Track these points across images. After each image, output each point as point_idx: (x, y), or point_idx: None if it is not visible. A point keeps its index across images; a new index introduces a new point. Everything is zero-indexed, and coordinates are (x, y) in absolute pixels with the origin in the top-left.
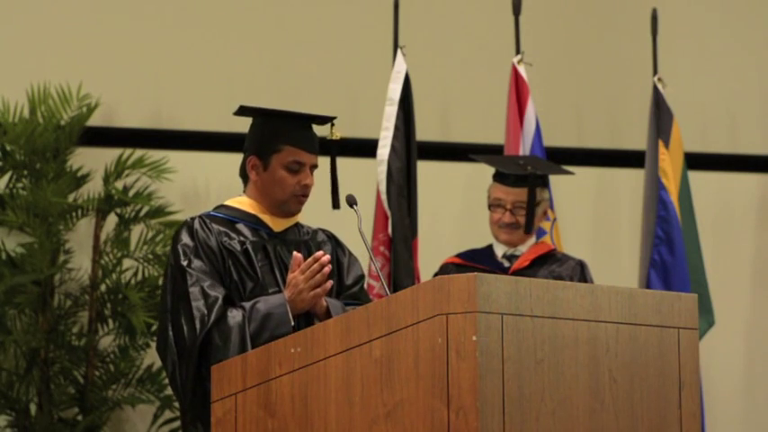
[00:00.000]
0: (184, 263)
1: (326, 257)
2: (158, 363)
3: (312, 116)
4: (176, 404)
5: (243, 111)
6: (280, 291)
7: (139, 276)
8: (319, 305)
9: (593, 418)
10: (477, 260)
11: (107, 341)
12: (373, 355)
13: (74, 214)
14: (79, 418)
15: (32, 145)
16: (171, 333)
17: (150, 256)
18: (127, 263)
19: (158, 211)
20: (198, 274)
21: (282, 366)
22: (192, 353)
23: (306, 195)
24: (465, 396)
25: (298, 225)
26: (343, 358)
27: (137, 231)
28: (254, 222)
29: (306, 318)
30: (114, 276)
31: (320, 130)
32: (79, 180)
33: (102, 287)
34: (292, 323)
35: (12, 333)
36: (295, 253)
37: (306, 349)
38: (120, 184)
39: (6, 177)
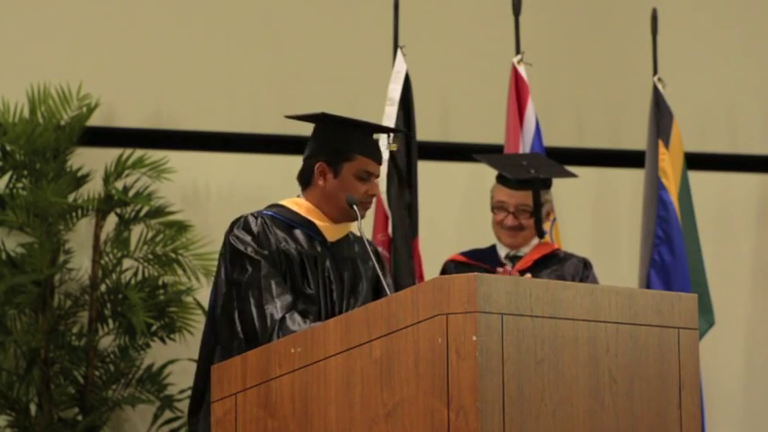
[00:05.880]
0: (257, 256)
1: None
2: (158, 363)
3: (386, 128)
4: (177, 404)
5: (325, 118)
6: (319, 306)
7: (139, 276)
8: None
9: (593, 418)
10: (481, 259)
11: (107, 341)
12: (373, 355)
13: (74, 214)
14: (79, 418)
15: (32, 145)
16: (238, 322)
17: (150, 256)
18: (127, 263)
19: (158, 211)
20: (269, 268)
21: (282, 366)
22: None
23: (370, 203)
24: (465, 396)
25: (348, 236)
26: (343, 358)
27: (137, 231)
28: (310, 229)
29: None
30: (114, 276)
31: None
32: (79, 180)
33: (102, 287)
34: None
35: (12, 333)
36: None
37: (306, 349)
38: (120, 184)
39: (6, 177)
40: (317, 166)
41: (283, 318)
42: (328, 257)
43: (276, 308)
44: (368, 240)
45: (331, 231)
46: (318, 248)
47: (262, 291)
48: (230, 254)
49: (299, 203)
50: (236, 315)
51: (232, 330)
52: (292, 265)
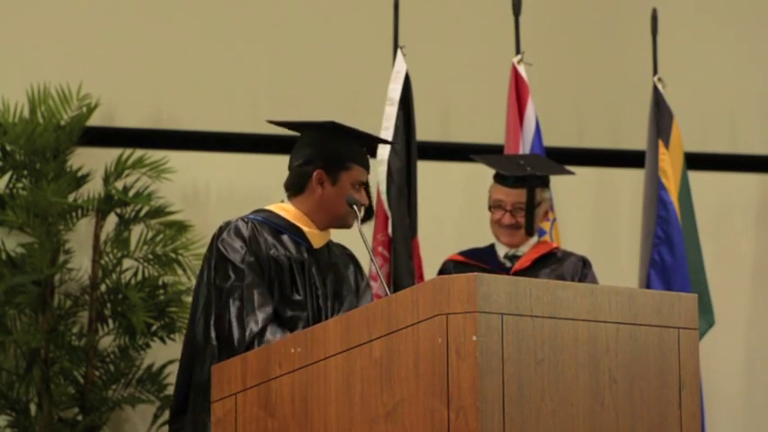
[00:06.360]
0: (242, 264)
1: None
2: (158, 363)
3: (391, 142)
4: None
5: (334, 126)
6: (305, 311)
7: (139, 276)
8: None
9: (593, 418)
10: (480, 259)
11: (107, 341)
12: (373, 355)
13: (74, 214)
14: (79, 418)
15: (32, 145)
16: (212, 328)
17: (150, 256)
18: (127, 263)
19: (158, 211)
20: (254, 277)
21: (282, 366)
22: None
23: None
24: (465, 396)
25: (330, 242)
26: (343, 358)
27: (137, 231)
28: (297, 235)
29: None
30: (114, 276)
31: None
32: (79, 180)
33: (102, 287)
34: None
35: (12, 333)
36: None
37: (306, 349)
38: (120, 184)
39: (6, 177)
40: (315, 174)
41: (263, 329)
42: (313, 264)
43: (257, 319)
44: (343, 246)
45: (316, 238)
46: (305, 254)
47: (243, 301)
48: (216, 259)
49: (286, 209)
50: (212, 320)
51: (206, 335)
52: (282, 272)
